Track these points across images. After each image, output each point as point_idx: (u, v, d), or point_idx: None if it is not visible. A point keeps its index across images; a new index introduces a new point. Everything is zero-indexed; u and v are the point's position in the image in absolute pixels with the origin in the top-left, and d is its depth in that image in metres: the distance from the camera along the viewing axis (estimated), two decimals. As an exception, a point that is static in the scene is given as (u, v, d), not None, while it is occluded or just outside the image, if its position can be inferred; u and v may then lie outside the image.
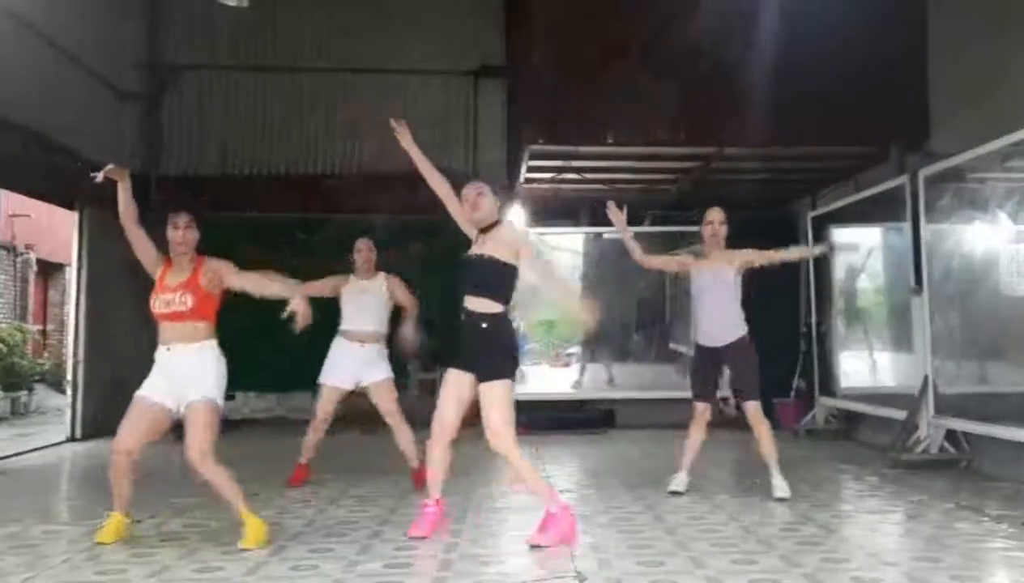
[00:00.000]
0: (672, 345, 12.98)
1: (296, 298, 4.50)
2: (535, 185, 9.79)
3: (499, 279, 4.79)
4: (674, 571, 4.09)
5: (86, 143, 9.57)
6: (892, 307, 8.45)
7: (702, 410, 6.18)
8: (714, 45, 7.92)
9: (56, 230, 15.21)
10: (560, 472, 7.19)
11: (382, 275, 6.62)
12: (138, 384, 10.54)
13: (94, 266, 9.99)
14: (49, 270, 16.86)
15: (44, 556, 4.52)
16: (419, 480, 6.29)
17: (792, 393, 9.75)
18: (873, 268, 8.90)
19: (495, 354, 4.75)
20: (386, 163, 11.11)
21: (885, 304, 8.65)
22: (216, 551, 4.56)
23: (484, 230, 4.89)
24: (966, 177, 6.89)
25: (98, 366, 9.91)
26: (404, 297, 6.57)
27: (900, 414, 7.73)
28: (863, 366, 8.94)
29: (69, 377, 9.74)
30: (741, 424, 6.53)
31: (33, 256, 15.70)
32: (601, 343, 11.91)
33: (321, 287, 6.46)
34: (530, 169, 8.92)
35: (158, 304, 4.72)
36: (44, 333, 16.34)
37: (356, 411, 7.28)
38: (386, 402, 6.44)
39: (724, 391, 10.02)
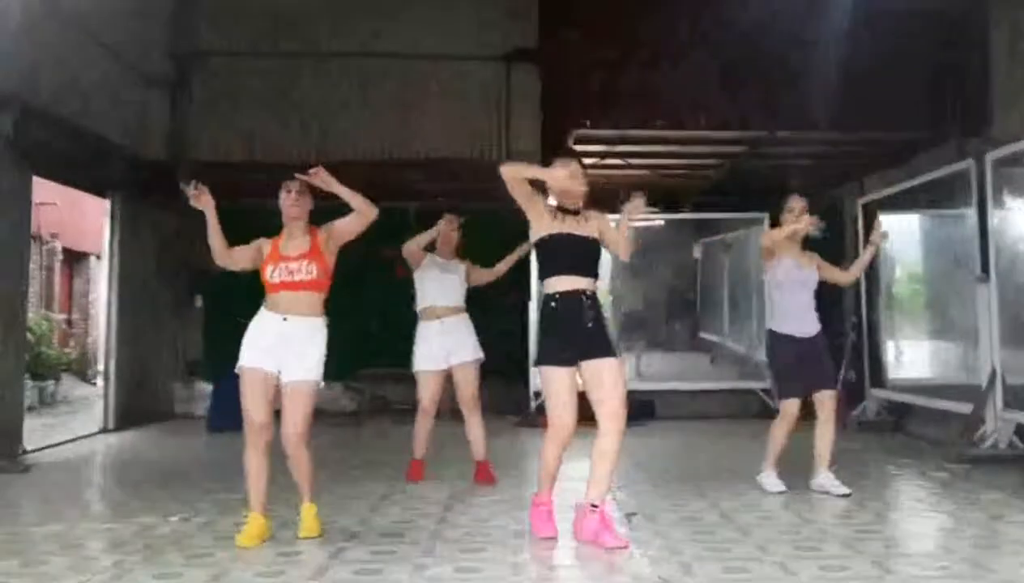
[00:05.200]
0: (702, 334, 12.80)
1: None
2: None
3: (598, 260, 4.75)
4: (763, 578, 3.86)
5: (114, 129, 9.42)
6: (947, 296, 8.19)
7: (792, 408, 5.81)
8: (765, 27, 7.65)
9: (81, 219, 15.07)
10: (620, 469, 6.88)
11: (459, 260, 6.41)
12: (166, 375, 10.61)
13: (125, 255, 9.83)
14: (74, 259, 16.73)
15: (92, 558, 4.33)
16: (482, 474, 6.22)
17: (839, 384, 9.47)
18: (927, 256, 8.64)
19: (607, 332, 4.70)
20: (415, 150, 11.02)
21: (940, 293, 8.38)
22: (273, 553, 4.35)
23: (572, 211, 4.71)
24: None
25: (128, 356, 9.77)
26: (488, 272, 6.45)
27: (956, 407, 7.49)
28: (916, 357, 8.68)
29: (100, 367, 9.57)
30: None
31: (59, 245, 15.54)
32: (632, 332, 11.71)
33: (424, 238, 6.27)
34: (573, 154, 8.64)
35: (278, 273, 4.59)
36: (69, 323, 16.22)
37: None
38: (468, 385, 6.19)
39: (767, 383, 9.99)
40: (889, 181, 8.98)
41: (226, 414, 9.47)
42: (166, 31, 10.98)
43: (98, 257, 13.78)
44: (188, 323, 11.04)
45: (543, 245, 4.72)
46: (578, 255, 4.66)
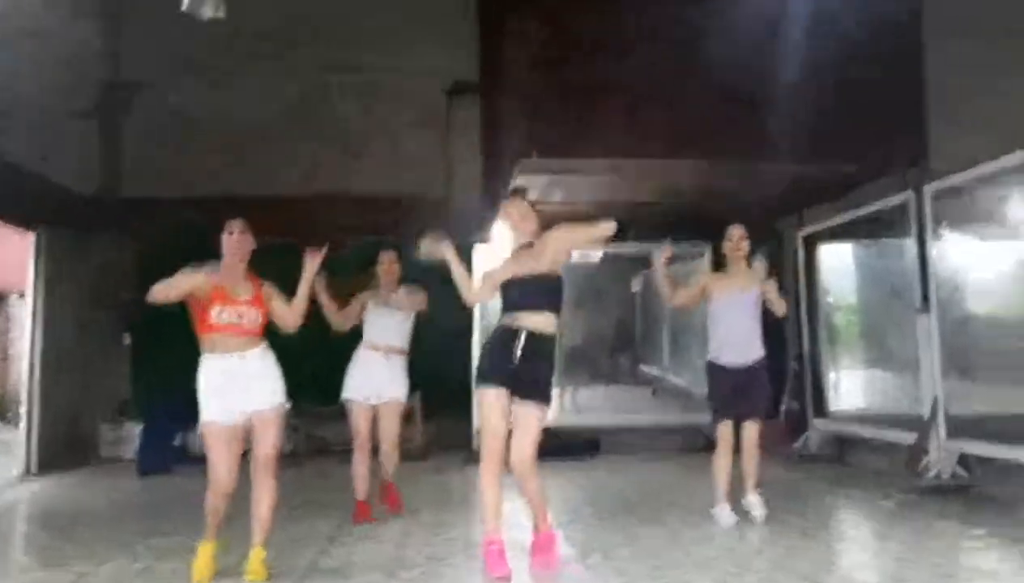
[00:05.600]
0: (642, 367, 12.79)
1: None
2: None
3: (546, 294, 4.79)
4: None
5: (43, 161, 9.10)
6: (888, 327, 8.28)
7: (726, 431, 5.91)
8: (712, 60, 7.70)
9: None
10: (568, 505, 6.76)
11: (404, 289, 6.41)
12: (92, 416, 10.17)
13: (50, 291, 9.46)
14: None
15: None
16: (389, 498, 6.38)
17: (781, 415, 9.52)
18: (867, 287, 8.75)
19: (539, 373, 4.68)
20: (353, 184, 10.88)
21: (880, 323, 8.48)
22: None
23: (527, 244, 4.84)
24: (973, 193, 6.75)
25: (52, 397, 9.36)
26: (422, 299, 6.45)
27: (899, 437, 7.53)
28: (857, 387, 8.75)
29: (23, 408, 9.15)
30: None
31: (-27, 283, 14.95)
32: (575, 366, 11.63)
33: (354, 311, 6.31)
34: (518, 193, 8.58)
35: (226, 316, 4.58)
36: (-14, 362, 15.57)
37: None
38: (391, 424, 6.25)
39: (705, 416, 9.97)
40: (828, 213, 9.09)
41: (156, 456, 9.18)
42: (99, 62, 10.71)
43: (20, 295, 13.24)
44: (116, 362, 10.62)
45: (501, 288, 4.85)
46: (526, 293, 4.72)
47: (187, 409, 9.47)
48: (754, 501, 5.93)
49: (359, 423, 6.19)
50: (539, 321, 4.71)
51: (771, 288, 5.96)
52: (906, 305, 7.65)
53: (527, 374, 4.62)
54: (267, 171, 10.74)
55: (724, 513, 5.81)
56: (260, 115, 10.84)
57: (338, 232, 10.61)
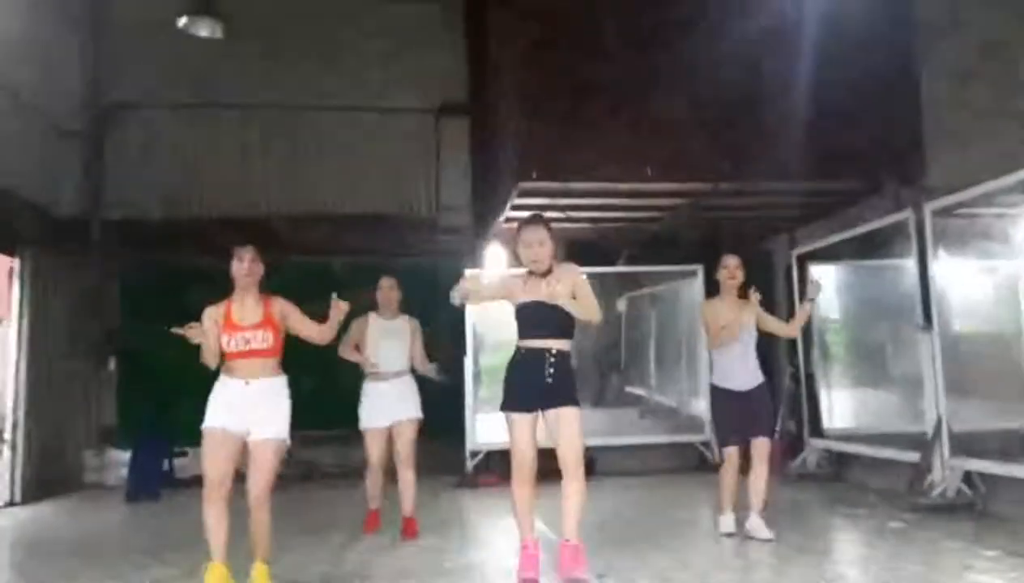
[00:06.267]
0: (628, 388, 12.75)
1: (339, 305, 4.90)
2: (513, 224, 9.41)
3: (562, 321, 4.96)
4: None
5: (23, 183, 8.95)
6: (884, 345, 8.30)
7: (733, 455, 6.10)
8: (706, 79, 7.73)
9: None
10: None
11: (405, 317, 6.60)
12: (77, 443, 9.94)
13: (34, 315, 9.26)
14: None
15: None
16: (408, 529, 6.39)
17: (777, 434, 9.49)
18: (862, 305, 8.77)
19: (569, 384, 4.95)
20: (341, 204, 10.79)
21: (876, 342, 8.49)
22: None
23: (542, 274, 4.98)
24: (973, 211, 6.79)
25: (36, 424, 9.15)
26: (419, 353, 6.59)
27: (901, 456, 7.53)
28: (855, 407, 8.76)
29: (7, 436, 8.93)
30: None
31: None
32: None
33: (353, 339, 6.52)
34: (513, 207, 8.54)
35: (235, 343, 4.75)
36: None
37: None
38: (407, 442, 6.39)
39: (706, 436, 9.97)
40: (820, 233, 9.12)
41: (144, 483, 9.00)
42: (81, 83, 10.58)
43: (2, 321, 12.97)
44: (101, 387, 10.42)
45: (515, 313, 5.04)
46: (541, 320, 4.90)
47: (174, 434, 9.51)
48: (758, 525, 5.97)
49: (372, 450, 6.40)
50: (562, 344, 4.94)
51: (803, 315, 6.46)
52: (903, 323, 7.69)
53: (559, 387, 4.86)
54: (252, 191, 10.65)
55: (725, 519, 6.12)
56: (245, 136, 10.75)
57: (326, 251, 10.70)
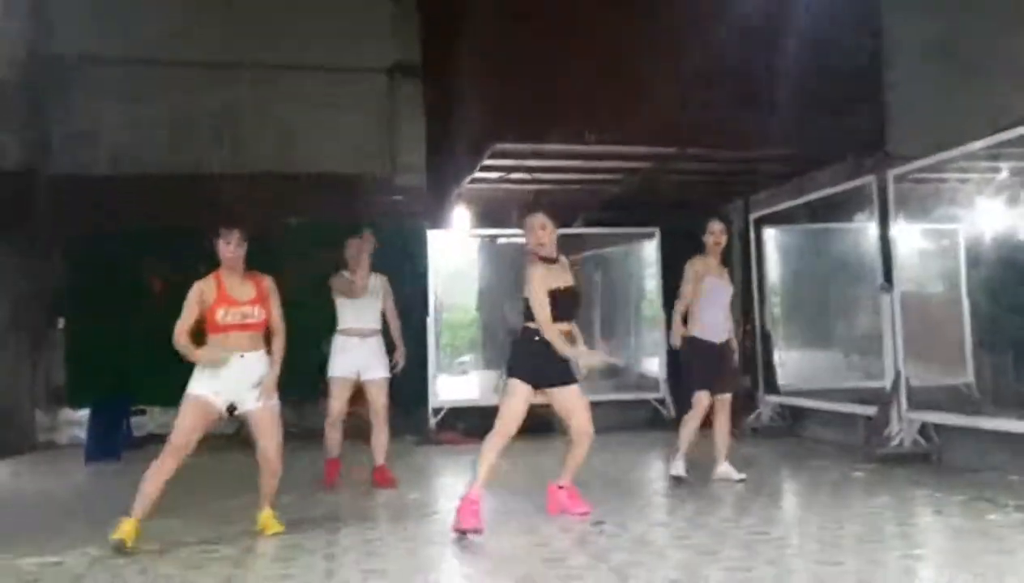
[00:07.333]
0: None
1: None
2: (480, 185, 9.48)
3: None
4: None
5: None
6: (837, 305, 8.65)
7: (706, 400, 6.49)
8: (671, 40, 7.87)
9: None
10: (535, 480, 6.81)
11: (377, 275, 6.76)
12: (26, 403, 9.70)
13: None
14: None
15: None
16: (379, 477, 6.69)
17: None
18: (816, 267, 9.10)
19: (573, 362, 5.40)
20: (292, 163, 10.68)
21: (828, 303, 8.83)
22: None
23: (553, 260, 5.36)
24: (933, 177, 7.12)
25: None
26: (392, 310, 6.87)
27: (858, 409, 7.90)
28: (809, 364, 9.11)
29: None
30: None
31: None
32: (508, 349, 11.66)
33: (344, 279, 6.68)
34: (482, 168, 8.60)
35: (231, 316, 5.00)
36: None
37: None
38: (381, 402, 6.69)
39: (660, 393, 10.25)
40: (777, 198, 9.41)
41: (104, 443, 8.85)
42: (24, 32, 10.19)
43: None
44: (50, 347, 10.18)
45: (552, 299, 5.27)
46: (567, 306, 5.34)
47: (131, 393, 9.38)
48: (727, 469, 6.52)
49: (336, 400, 6.64)
50: (570, 328, 5.44)
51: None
52: (857, 284, 8.04)
53: (567, 367, 5.33)
54: (205, 150, 10.47)
55: (680, 464, 6.53)
56: (194, 94, 10.54)
57: (282, 211, 10.59)
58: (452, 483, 7.06)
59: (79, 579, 4.27)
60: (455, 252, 10.72)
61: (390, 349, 6.87)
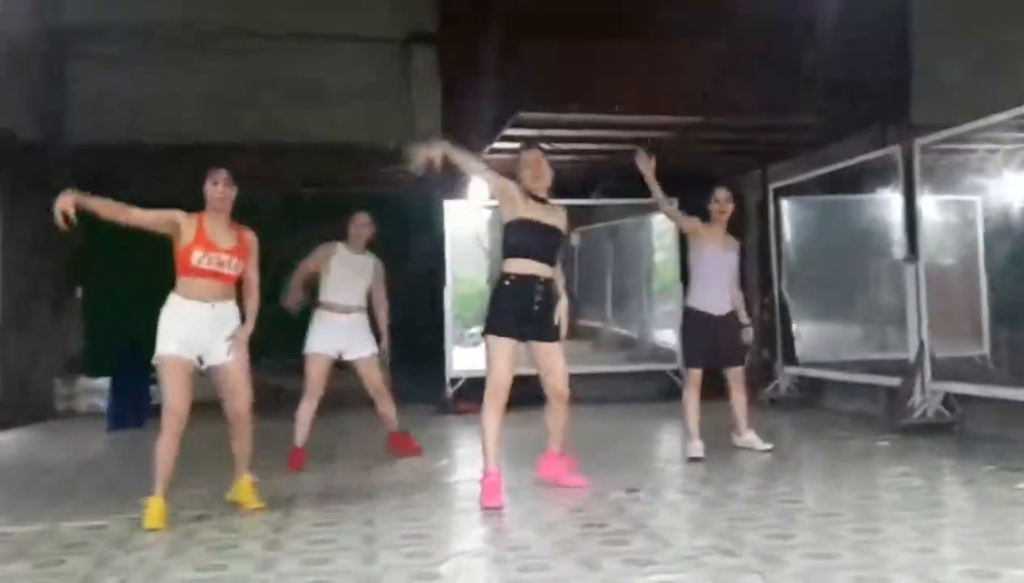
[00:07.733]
0: (581, 321, 12.98)
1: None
2: (500, 155, 9.43)
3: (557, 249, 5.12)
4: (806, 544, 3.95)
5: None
6: (858, 276, 8.63)
7: (697, 376, 6.36)
8: (686, 13, 7.81)
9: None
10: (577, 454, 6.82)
11: (371, 255, 6.55)
12: (45, 371, 9.73)
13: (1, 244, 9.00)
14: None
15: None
16: (403, 444, 6.64)
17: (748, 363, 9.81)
18: (836, 238, 9.09)
19: (553, 317, 5.07)
20: (307, 134, 10.63)
21: (850, 274, 8.81)
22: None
23: (540, 199, 5.05)
24: (960, 148, 7.11)
25: (5, 353, 8.99)
26: (381, 294, 6.59)
27: (875, 380, 7.93)
28: (829, 335, 9.12)
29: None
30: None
31: None
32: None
33: (316, 263, 6.45)
34: (502, 138, 8.57)
35: (207, 261, 4.71)
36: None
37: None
38: (374, 377, 6.48)
39: (676, 364, 10.25)
40: (795, 168, 9.38)
41: (127, 411, 8.86)
42: (38, 3, 10.10)
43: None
44: (68, 315, 10.21)
45: (510, 227, 5.02)
46: (539, 242, 4.97)
47: (150, 359, 9.40)
48: (753, 438, 6.51)
49: (314, 373, 6.29)
50: (550, 272, 5.04)
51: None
52: (877, 255, 8.06)
53: (546, 320, 5.01)
54: (221, 119, 10.42)
55: (696, 445, 6.24)
56: (215, 62, 10.47)
57: (296, 183, 10.58)
58: (476, 453, 7.06)
59: (125, 542, 4.30)
60: (469, 223, 10.68)
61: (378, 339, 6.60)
